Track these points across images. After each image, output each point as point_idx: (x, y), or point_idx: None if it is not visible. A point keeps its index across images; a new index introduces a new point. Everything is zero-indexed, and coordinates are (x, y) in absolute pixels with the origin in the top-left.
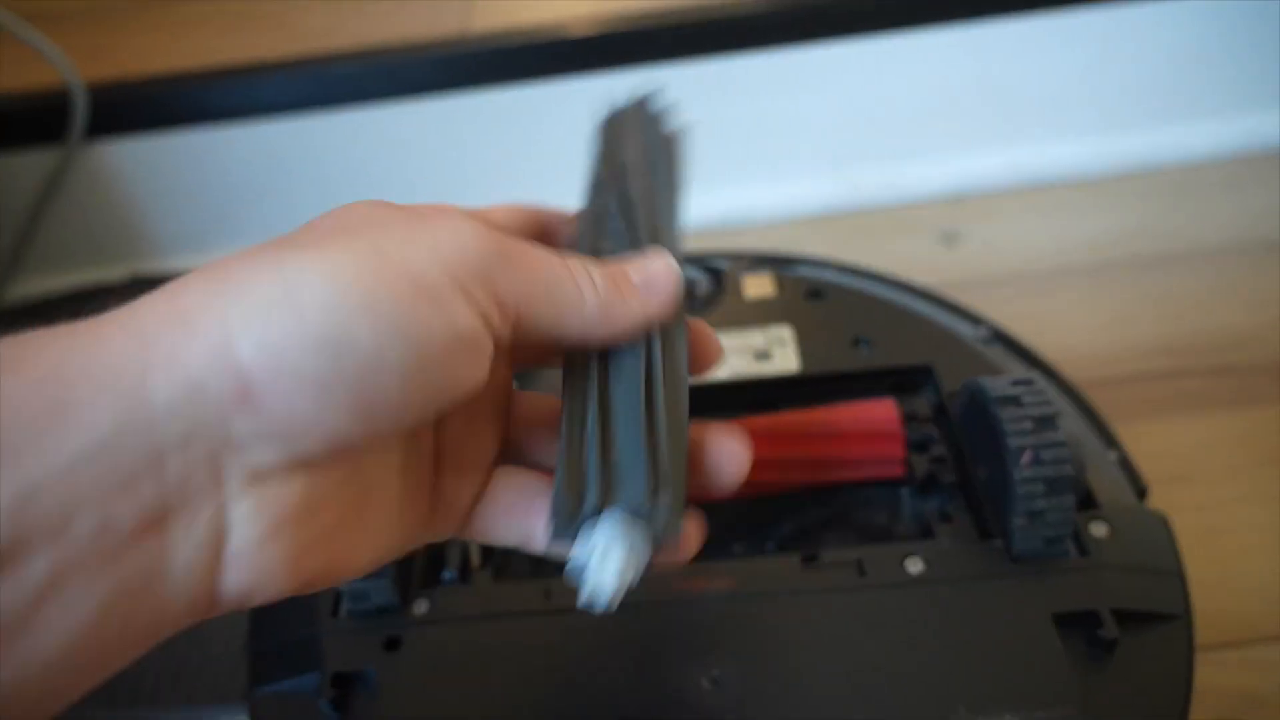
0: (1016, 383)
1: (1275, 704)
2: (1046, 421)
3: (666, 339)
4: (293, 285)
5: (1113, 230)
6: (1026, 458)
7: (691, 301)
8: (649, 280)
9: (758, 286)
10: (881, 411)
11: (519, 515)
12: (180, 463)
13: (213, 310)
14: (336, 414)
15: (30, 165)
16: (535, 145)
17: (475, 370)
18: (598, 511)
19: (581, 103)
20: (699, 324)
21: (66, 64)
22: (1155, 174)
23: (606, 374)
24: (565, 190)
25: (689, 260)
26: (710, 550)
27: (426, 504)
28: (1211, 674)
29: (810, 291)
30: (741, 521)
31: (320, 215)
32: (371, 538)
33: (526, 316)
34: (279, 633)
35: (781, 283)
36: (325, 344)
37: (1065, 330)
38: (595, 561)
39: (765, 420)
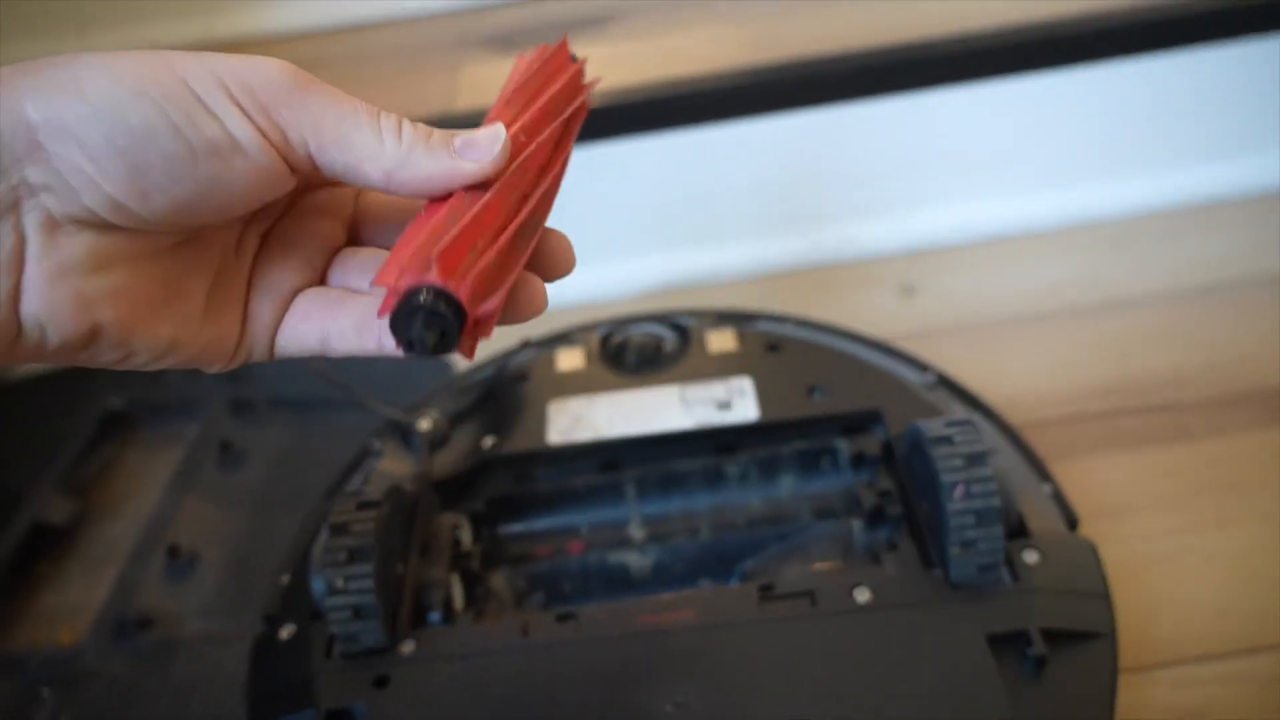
0: (950, 424)
1: (1209, 718)
2: (977, 459)
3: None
4: (80, 73)
5: (1057, 280)
6: (959, 492)
7: (659, 356)
8: (471, 142)
9: (721, 341)
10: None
11: (317, 319)
12: None
13: (13, 86)
14: (112, 182)
15: None
16: None
17: (254, 179)
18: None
19: None
20: (558, 235)
21: None
22: (1096, 227)
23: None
24: None
25: (657, 319)
26: (679, 584)
27: (236, 322)
28: (1146, 692)
29: (769, 345)
30: (708, 557)
31: None
32: (172, 322)
33: (320, 151)
34: (276, 674)
35: (743, 337)
36: (100, 118)
37: (1011, 375)
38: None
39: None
